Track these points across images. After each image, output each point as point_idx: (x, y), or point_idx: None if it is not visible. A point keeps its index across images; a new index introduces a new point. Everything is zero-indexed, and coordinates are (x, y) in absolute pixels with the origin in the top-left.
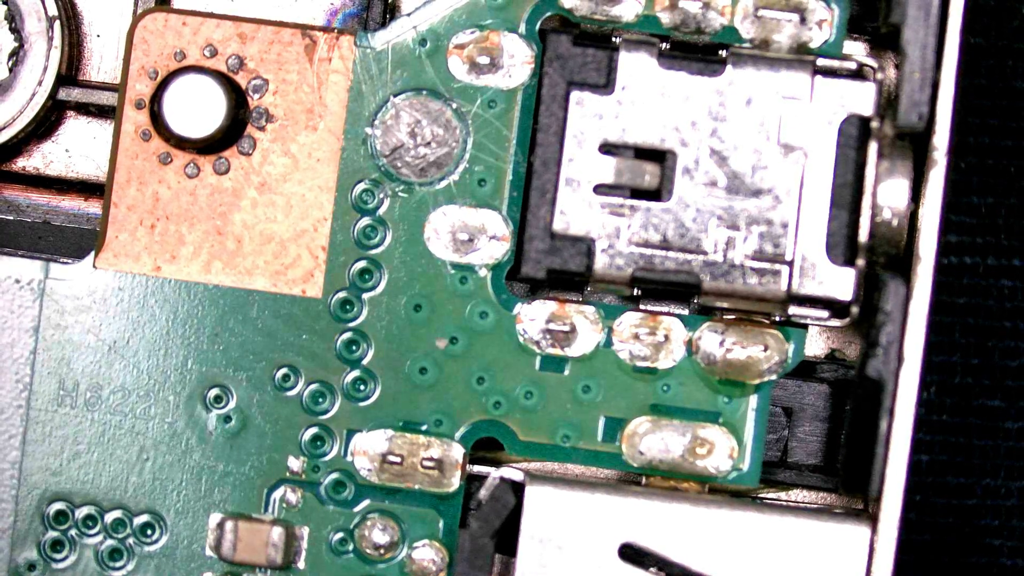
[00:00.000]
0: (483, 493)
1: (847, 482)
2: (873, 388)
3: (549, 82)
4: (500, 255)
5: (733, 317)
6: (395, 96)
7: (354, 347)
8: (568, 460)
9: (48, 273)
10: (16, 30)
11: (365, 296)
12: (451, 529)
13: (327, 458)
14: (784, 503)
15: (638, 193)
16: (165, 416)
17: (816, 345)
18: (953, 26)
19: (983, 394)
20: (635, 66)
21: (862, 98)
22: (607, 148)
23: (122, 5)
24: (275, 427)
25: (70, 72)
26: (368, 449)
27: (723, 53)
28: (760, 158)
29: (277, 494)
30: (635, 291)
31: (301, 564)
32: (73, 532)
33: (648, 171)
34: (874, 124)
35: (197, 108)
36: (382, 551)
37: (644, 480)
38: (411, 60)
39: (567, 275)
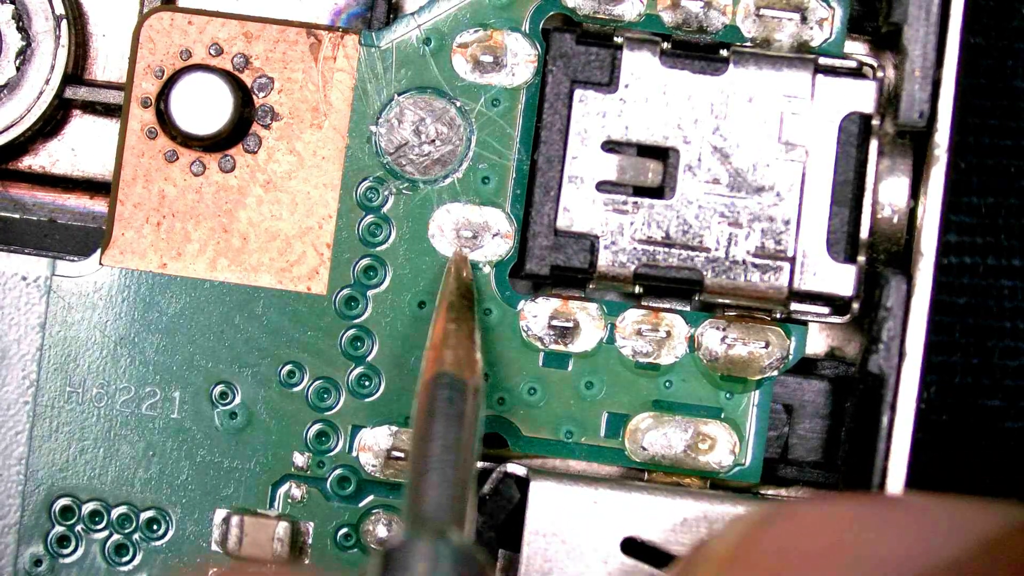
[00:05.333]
0: (487, 488)
1: (848, 478)
2: (875, 384)
3: (553, 80)
4: (504, 252)
5: (735, 314)
6: (399, 94)
7: (358, 343)
8: (571, 456)
9: (54, 270)
10: (23, 29)
11: (370, 293)
12: None
13: (332, 454)
14: (785, 499)
15: (641, 190)
16: (171, 412)
17: (817, 343)
18: (954, 25)
19: (983, 394)
20: (638, 65)
21: (863, 96)
22: (610, 146)
23: (128, 4)
24: (280, 423)
25: (76, 71)
26: (373, 445)
27: (725, 52)
28: (762, 156)
29: (282, 490)
30: (637, 288)
31: (306, 559)
32: (79, 527)
33: (651, 168)
34: (875, 122)
35: (203, 106)
36: None
37: (647, 475)
38: (415, 59)
39: (570, 272)
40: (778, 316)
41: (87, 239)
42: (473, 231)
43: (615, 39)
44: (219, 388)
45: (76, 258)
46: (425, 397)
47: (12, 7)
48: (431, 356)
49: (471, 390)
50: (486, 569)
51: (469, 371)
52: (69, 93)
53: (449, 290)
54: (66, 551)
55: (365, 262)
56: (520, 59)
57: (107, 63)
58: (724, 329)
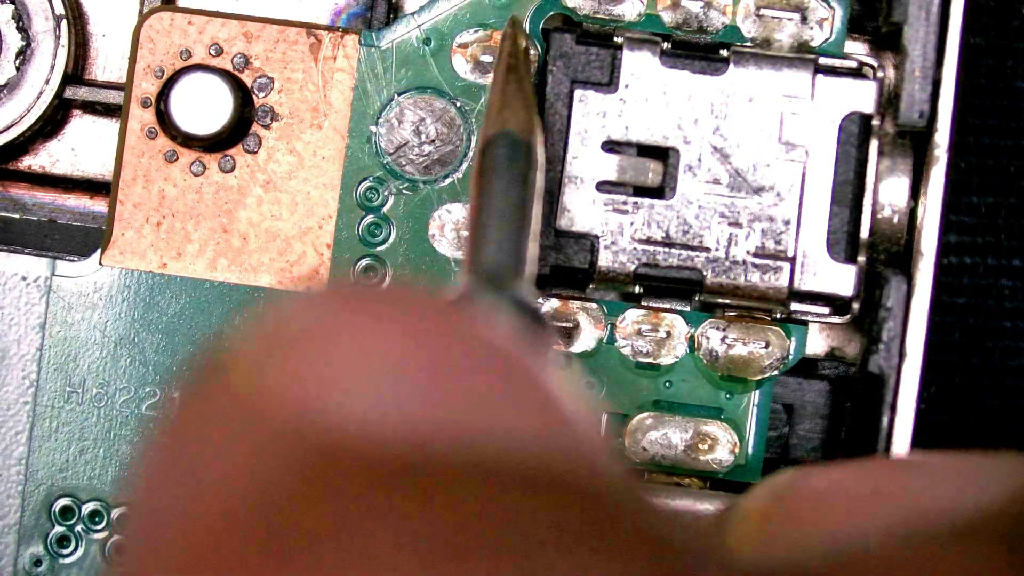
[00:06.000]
0: None
1: None
2: (875, 384)
3: (553, 80)
4: None
5: (735, 314)
6: (399, 94)
7: None
8: None
9: (54, 270)
10: (23, 29)
11: None
12: None
13: None
14: None
15: (641, 190)
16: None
17: (817, 343)
18: (954, 25)
19: (983, 394)
20: (638, 65)
21: (863, 96)
22: (610, 146)
23: (128, 4)
24: None
25: (76, 71)
26: None
27: (725, 52)
28: (762, 156)
29: None
30: (638, 288)
31: None
32: (79, 528)
33: (651, 169)
34: (875, 122)
35: (203, 106)
36: None
37: (646, 476)
38: (415, 59)
39: (571, 272)
40: (778, 316)
41: (87, 239)
42: None
43: (615, 39)
44: None
45: (76, 258)
46: (484, 156)
47: (12, 7)
48: (491, 117)
49: (534, 154)
50: (545, 320)
51: (530, 135)
52: (69, 93)
53: (507, 52)
54: (66, 551)
55: (365, 262)
56: None
57: (107, 63)
58: (724, 329)
